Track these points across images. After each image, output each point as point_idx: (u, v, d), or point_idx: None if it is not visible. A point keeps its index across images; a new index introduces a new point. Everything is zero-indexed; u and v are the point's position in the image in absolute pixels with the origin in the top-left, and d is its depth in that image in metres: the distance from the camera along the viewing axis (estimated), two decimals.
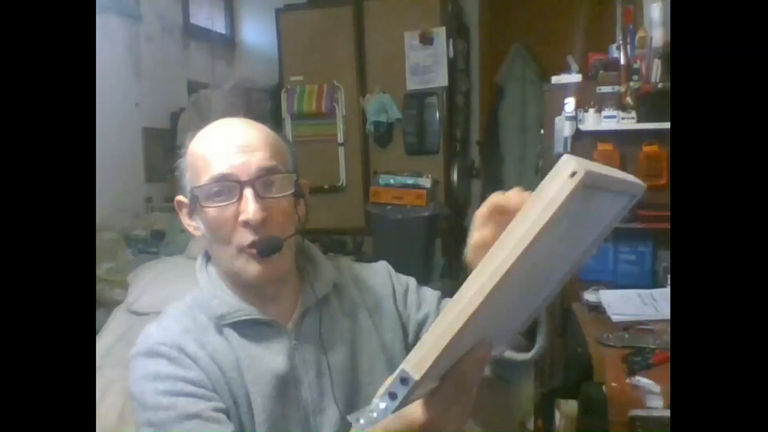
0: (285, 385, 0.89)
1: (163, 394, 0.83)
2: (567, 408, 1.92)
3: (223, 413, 0.84)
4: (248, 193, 0.85)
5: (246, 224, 0.85)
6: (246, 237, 0.86)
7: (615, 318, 1.95)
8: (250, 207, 0.84)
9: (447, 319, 0.50)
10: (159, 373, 0.85)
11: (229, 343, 0.89)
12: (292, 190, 0.89)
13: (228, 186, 0.85)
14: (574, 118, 2.45)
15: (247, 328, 0.90)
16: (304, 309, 0.93)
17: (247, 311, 0.90)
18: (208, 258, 0.96)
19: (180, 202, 0.93)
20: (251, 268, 0.87)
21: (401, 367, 0.50)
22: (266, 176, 0.86)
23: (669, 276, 2.23)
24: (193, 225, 0.92)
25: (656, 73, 2.27)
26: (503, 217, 0.62)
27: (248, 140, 0.87)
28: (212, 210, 0.86)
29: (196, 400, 0.83)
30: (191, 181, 0.89)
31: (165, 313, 0.94)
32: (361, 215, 3.95)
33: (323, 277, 0.96)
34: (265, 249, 0.86)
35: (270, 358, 0.89)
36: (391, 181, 3.79)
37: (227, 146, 0.86)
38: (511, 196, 0.64)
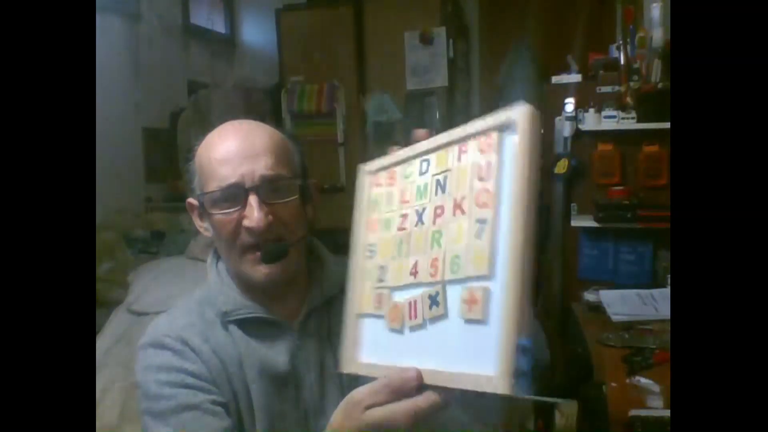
0: (285, 384, 0.90)
1: (165, 385, 0.85)
2: (567, 408, 1.92)
3: (222, 407, 0.86)
4: (252, 199, 0.85)
5: (250, 230, 0.86)
6: (251, 242, 0.87)
7: (615, 318, 1.95)
8: (254, 214, 0.85)
9: None
10: (162, 365, 0.87)
11: (233, 339, 0.90)
12: (297, 195, 0.89)
13: (233, 193, 0.86)
14: (574, 118, 2.46)
15: (251, 326, 0.91)
16: (310, 309, 0.94)
17: (252, 309, 0.91)
18: (218, 255, 0.98)
19: (191, 204, 0.94)
20: (257, 271, 0.88)
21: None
22: (271, 183, 0.86)
23: (669, 276, 2.23)
24: (204, 226, 0.94)
25: (656, 73, 2.27)
26: None
27: (253, 146, 0.87)
28: (218, 216, 0.87)
29: (195, 392, 0.85)
30: (199, 186, 0.91)
31: (175, 306, 0.96)
32: None
33: (331, 278, 0.96)
34: (270, 256, 0.87)
35: (272, 356, 0.90)
36: None
37: (232, 153, 0.87)
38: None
